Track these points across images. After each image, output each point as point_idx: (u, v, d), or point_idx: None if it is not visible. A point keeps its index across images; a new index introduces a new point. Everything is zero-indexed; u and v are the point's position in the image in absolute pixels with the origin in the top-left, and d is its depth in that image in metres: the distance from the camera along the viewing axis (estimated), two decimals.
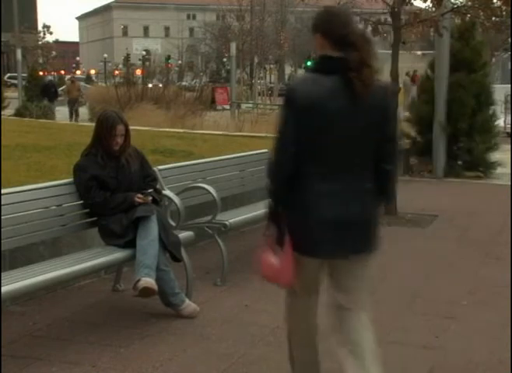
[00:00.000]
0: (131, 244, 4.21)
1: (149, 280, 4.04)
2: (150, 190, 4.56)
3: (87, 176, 4.31)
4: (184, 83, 30.49)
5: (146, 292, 4.07)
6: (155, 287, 4.06)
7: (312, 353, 3.07)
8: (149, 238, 4.19)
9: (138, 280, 4.05)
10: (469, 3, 8.10)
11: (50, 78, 34.61)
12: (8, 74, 44.94)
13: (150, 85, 23.20)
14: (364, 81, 2.68)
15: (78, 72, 70.13)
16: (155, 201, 4.52)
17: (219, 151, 8.38)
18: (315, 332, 3.05)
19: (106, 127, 4.40)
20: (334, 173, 2.78)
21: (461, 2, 8.30)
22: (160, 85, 23.29)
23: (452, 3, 8.34)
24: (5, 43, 46.28)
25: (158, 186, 4.73)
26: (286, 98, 2.77)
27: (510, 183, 9.29)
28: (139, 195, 4.38)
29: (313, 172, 2.77)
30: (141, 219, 4.23)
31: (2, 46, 47.56)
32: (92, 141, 4.47)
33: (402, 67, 11.61)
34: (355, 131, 2.77)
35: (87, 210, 4.39)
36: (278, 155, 2.78)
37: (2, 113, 22.86)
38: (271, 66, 51.76)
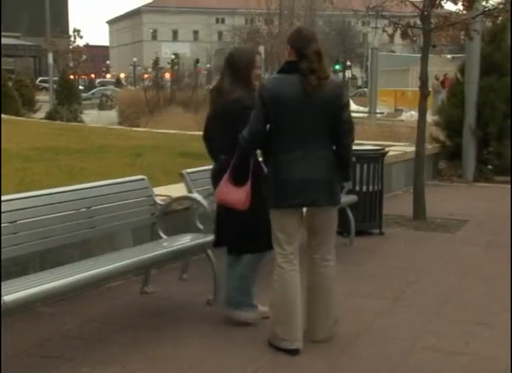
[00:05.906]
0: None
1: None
2: None
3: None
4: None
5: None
6: None
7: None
8: None
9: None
10: (501, 6, 7.99)
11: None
12: (40, 78, 45.60)
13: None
14: (310, 82, 3.65)
15: (108, 76, 70.69)
16: None
17: None
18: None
19: (245, 60, 4.06)
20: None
21: (493, 5, 8.19)
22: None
23: (483, 6, 8.24)
24: (37, 48, 46.98)
25: None
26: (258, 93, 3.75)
27: None
28: None
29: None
30: None
31: (35, 50, 48.37)
32: (228, 78, 4.05)
33: (432, 71, 11.54)
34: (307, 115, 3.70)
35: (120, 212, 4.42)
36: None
37: (33, 116, 23.19)
38: None
